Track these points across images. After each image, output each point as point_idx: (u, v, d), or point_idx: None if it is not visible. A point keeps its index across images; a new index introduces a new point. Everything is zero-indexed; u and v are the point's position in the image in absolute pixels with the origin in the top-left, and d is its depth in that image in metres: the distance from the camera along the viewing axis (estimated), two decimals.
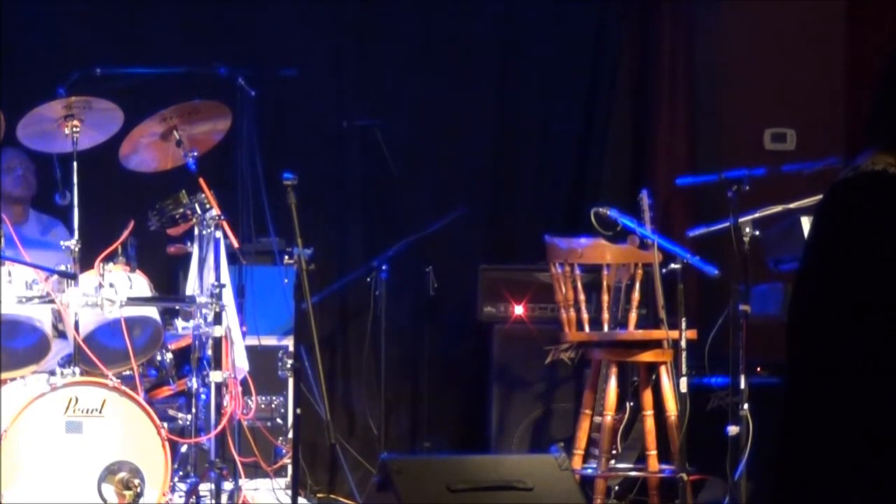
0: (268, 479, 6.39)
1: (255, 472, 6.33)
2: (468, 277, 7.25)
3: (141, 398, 5.71)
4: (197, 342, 5.93)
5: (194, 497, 5.84)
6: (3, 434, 5.46)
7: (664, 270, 6.21)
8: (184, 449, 5.93)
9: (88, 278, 5.79)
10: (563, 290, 6.45)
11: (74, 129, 5.86)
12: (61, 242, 5.84)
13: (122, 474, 5.56)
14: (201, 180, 5.90)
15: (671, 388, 6.18)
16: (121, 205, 6.68)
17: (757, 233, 5.87)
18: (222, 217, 5.89)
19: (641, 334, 6.35)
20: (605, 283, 6.47)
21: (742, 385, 5.77)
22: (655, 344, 6.25)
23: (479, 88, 7.75)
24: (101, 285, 5.77)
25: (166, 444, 5.63)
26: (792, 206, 5.96)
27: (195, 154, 6.00)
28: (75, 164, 5.83)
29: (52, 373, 5.67)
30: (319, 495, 6.88)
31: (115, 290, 5.82)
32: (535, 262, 7.06)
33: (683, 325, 6.05)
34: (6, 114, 5.90)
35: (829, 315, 2.93)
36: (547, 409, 7.05)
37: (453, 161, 7.69)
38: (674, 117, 7.82)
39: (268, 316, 6.62)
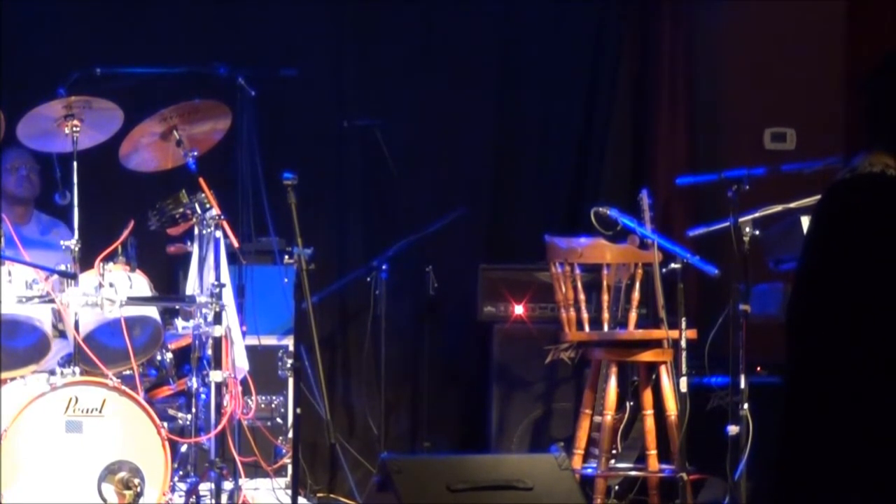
0: (268, 479, 6.38)
1: (255, 471, 6.32)
2: (468, 277, 7.25)
3: (141, 398, 5.71)
4: (197, 342, 5.93)
5: (194, 497, 5.84)
6: (3, 434, 5.46)
7: (664, 270, 6.21)
8: (184, 448, 5.93)
9: (88, 278, 5.79)
10: (563, 289, 6.45)
11: (74, 129, 5.86)
12: (62, 242, 5.84)
13: (122, 474, 5.56)
14: (201, 180, 5.90)
15: (671, 388, 6.18)
16: (121, 205, 6.68)
17: (757, 232, 5.87)
18: (222, 217, 5.89)
19: (641, 334, 6.35)
20: (605, 283, 6.47)
21: (742, 385, 5.77)
22: (655, 343, 6.25)
23: (479, 88, 7.75)
24: (101, 285, 5.77)
25: (166, 443, 5.63)
26: (792, 205, 5.95)
27: (195, 154, 6.00)
28: (75, 163, 5.83)
29: (52, 372, 5.67)
30: (319, 495, 6.88)
31: (115, 290, 5.82)
32: (535, 262, 7.06)
33: (683, 324, 6.05)
34: (6, 114, 5.90)
35: (828, 315, 2.94)
36: (547, 408, 7.05)
37: (453, 161, 7.69)
38: (674, 117, 7.82)
39: (268, 316, 6.62)
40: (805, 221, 6.04)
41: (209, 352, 5.81)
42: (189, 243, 6.03)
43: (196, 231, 5.94)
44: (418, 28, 7.70)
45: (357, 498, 6.89)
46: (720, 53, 7.89)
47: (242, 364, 5.99)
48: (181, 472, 5.93)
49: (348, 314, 7.55)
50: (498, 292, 7.16)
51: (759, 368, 6.55)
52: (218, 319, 5.79)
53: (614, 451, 6.55)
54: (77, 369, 5.64)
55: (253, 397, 6.22)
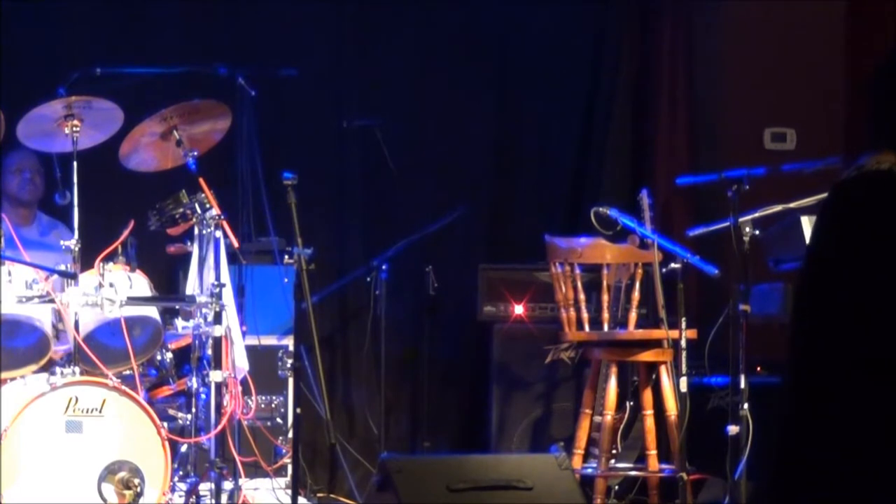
0: (268, 479, 6.39)
1: (255, 471, 6.32)
2: (468, 277, 7.25)
3: (141, 398, 5.71)
4: (197, 342, 5.93)
5: (194, 497, 5.84)
6: (3, 434, 5.46)
7: (664, 270, 6.21)
8: (184, 448, 5.93)
9: (88, 278, 5.79)
10: (563, 289, 6.45)
11: (74, 129, 5.85)
12: (62, 242, 5.84)
13: (122, 474, 5.56)
14: (201, 180, 5.90)
15: (671, 388, 6.18)
16: (121, 205, 6.68)
17: (757, 232, 5.87)
18: (222, 217, 5.89)
19: (641, 334, 6.35)
20: (605, 283, 6.47)
21: (742, 385, 5.76)
22: (655, 343, 6.25)
23: (479, 88, 7.75)
24: (101, 285, 5.77)
25: (166, 443, 5.63)
26: (792, 205, 5.95)
27: (195, 154, 6.00)
28: (75, 163, 5.83)
29: (52, 372, 5.67)
30: (319, 495, 6.88)
31: (115, 290, 5.82)
32: (535, 262, 7.06)
33: (683, 324, 6.05)
34: (6, 114, 5.90)
35: (835, 315, 2.93)
36: (547, 408, 7.05)
37: (453, 161, 7.69)
38: (674, 117, 7.82)
39: (268, 316, 6.62)
40: (805, 221, 6.04)
41: (209, 352, 5.81)
42: (189, 243, 6.03)
43: (196, 231, 5.94)
44: (418, 28, 7.70)
45: (357, 498, 6.89)
46: (720, 53, 7.88)
47: (242, 364, 5.99)
48: (181, 472, 5.93)
49: (348, 314, 7.55)
50: (498, 292, 7.16)
51: (759, 368, 6.55)
52: (218, 319, 5.79)
53: (614, 451, 6.54)
54: (77, 369, 5.65)
55: (253, 397, 6.22)
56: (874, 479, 2.86)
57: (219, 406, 5.80)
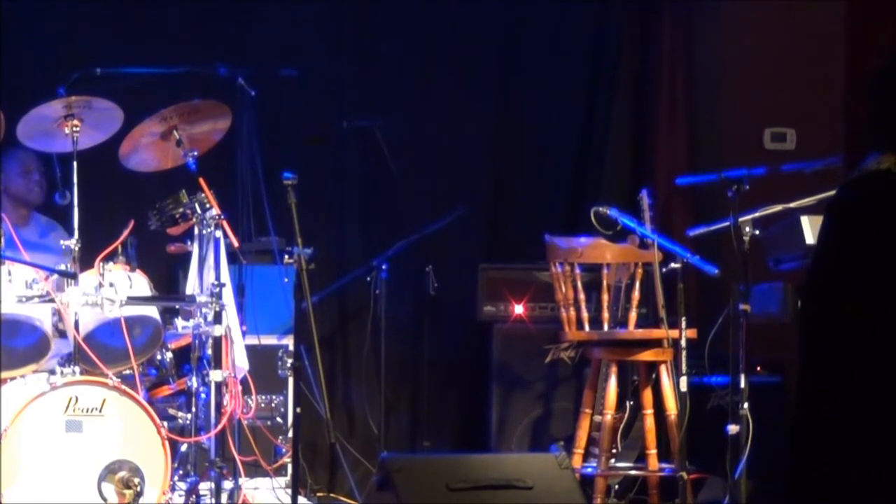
0: (268, 479, 6.39)
1: (255, 471, 6.33)
2: (468, 277, 7.25)
3: (141, 397, 5.71)
4: (197, 341, 5.93)
5: (194, 496, 5.84)
6: (3, 433, 5.46)
7: (664, 270, 6.21)
8: (184, 448, 5.93)
9: (88, 278, 5.79)
10: (563, 289, 6.45)
11: (74, 129, 5.86)
12: (61, 242, 5.84)
13: (123, 473, 5.56)
14: (201, 180, 5.90)
15: (671, 387, 6.18)
16: (121, 204, 6.69)
17: (757, 232, 5.87)
18: (222, 216, 5.89)
19: (641, 333, 6.35)
20: (605, 283, 6.47)
21: (742, 384, 5.76)
22: (655, 343, 6.25)
23: (479, 88, 7.75)
24: (101, 285, 5.77)
25: (166, 443, 5.63)
26: (792, 205, 5.95)
27: (195, 154, 6.00)
28: (75, 163, 5.83)
29: (52, 372, 5.67)
30: (319, 494, 6.87)
31: (115, 290, 5.82)
32: (535, 262, 7.06)
33: (683, 324, 6.05)
34: (6, 114, 5.90)
35: (844, 312, 2.93)
36: (547, 408, 7.05)
37: (453, 161, 7.69)
38: (674, 117, 7.82)
39: (268, 315, 6.63)
40: (805, 221, 6.03)
41: (209, 351, 5.81)
42: (189, 243, 6.03)
43: (196, 231, 5.94)
44: (418, 28, 7.70)
45: (357, 497, 6.89)
46: (720, 53, 7.88)
47: (242, 363, 6.00)
48: (181, 472, 5.93)
49: (348, 314, 7.55)
50: (498, 292, 7.16)
51: (759, 368, 6.55)
52: (218, 319, 5.80)
53: (614, 451, 6.54)
54: (77, 369, 5.65)
55: (253, 397, 6.23)
56: (880, 479, 2.87)
57: (219, 405, 5.80)
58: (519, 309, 7.12)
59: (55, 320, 5.84)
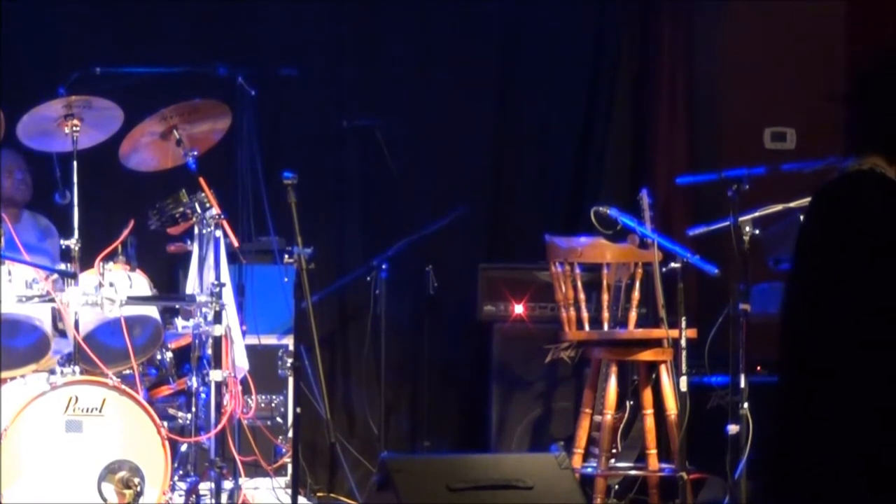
0: (268, 479, 6.39)
1: (255, 471, 6.33)
2: (468, 277, 7.25)
3: (141, 397, 5.71)
4: (197, 341, 5.93)
5: (194, 496, 5.84)
6: (3, 433, 5.46)
7: (664, 269, 6.21)
8: (184, 448, 5.93)
9: (88, 277, 5.79)
10: (563, 289, 6.45)
11: (74, 129, 5.86)
12: (62, 242, 5.83)
13: (123, 473, 5.56)
14: (201, 179, 5.90)
15: (671, 387, 6.18)
16: (121, 204, 6.69)
17: (757, 232, 5.86)
18: (222, 216, 5.89)
19: (641, 333, 6.35)
20: (604, 282, 6.47)
21: (742, 384, 5.76)
22: (655, 343, 6.25)
23: (479, 88, 7.75)
24: (101, 284, 5.77)
25: (166, 443, 5.63)
26: (792, 205, 5.95)
27: (195, 153, 6.00)
28: (75, 163, 5.83)
29: (52, 372, 5.67)
30: (319, 494, 6.87)
31: (115, 289, 5.82)
32: (535, 262, 7.06)
33: (683, 324, 6.05)
34: (6, 114, 5.90)
35: (827, 316, 2.92)
36: (547, 408, 7.05)
37: (453, 161, 7.69)
38: (674, 117, 7.82)
39: (268, 315, 6.62)
40: None
41: (209, 351, 5.81)
42: (189, 242, 6.03)
43: (196, 230, 5.94)
44: (418, 28, 7.70)
45: (357, 498, 6.89)
46: (720, 53, 7.88)
47: (242, 363, 6.00)
48: (181, 472, 5.93)
49: (348, 314, 7.55)
50: (498, 292, 7.16)
51: (759, 368, 6.54)
52: (218, 319, 5.79)
53: (614, 451, 6.54)
54: (77, 369, 5.65)
55: (253, 397, 6.23)
56: (866, 478, 2.86)
57: (219, 405, 5.80)
58: (519, 309, 7.12)
59: (55, 320, 5.84)
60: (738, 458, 5.73)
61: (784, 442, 3.00)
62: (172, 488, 5.78)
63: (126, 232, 5.92)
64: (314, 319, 5.71)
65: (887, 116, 3.05)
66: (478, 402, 7.35)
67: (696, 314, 6.83)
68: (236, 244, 6.00)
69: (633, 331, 6.42)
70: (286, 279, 6.34)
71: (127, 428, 5.61)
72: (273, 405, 6.75)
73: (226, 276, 5.90)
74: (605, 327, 6.49)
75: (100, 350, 5.80)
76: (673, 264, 6.21)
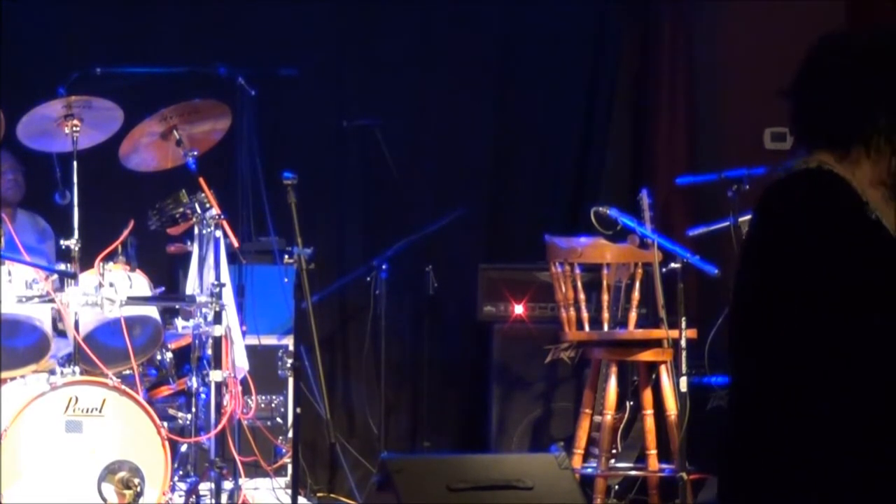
0: (268, 479, 6.39)
1: (255, 471, 6.33)
2: (468, 277, 7.25)
3: (141, 397, 5.71)
4: (197, 341, 5.93)
5: (194, 496, 5.84)
6: (3, 433, 5.46)
7: (664, 270, 6.21)
8: (184, 448, 5.93)
9: (88, 278, 5.79)
10: (563, 289, 6.45)
11: (74, 129, 5.86)
12: (62, 243, 5.83)
13: (123, 473, 5.56)
14: (201, 180, 5.91)
15: (671, 388, 6.18)
16: (121, 204, 6.68)
17: None
18: (222, 216, 5.89)
19: (641, 333, 6.35)
20: (604, 283, 6.47)
21: None
22: (655, 343, 6.25)
23: (479, 88, 7.75)
24: (101, 284, 5.77)
25: (166, 443, 5.63)
26: None
27: (195, 153, 6.00)
28: (75, 163, 5.84)
29: (52, 372, 5.67)
30: (319, 495, 6.88)
31: (115, 290, 5.82)
32: (535, 262, 7.06)
33: (683, 324, 6.05)
34: (6, 114, 5.90)
35: (769, 314, 2.90)
36: (547, 408, 7.05)
37: (453, 161, 7.70)
38: (674, 117, 7.82)
39: (268, 315, 6.62)
40: None
41: (209, 351, 5.81)
42: (189, 243, 6.04)
43: (196, 231, 5.94)
44: (418, 28, 7.70)
45: (357, 498, 6.89)
46: (720, 53, 7.88)
47: (242, 364, 6.00)
48: (181, 472, 5.93)
49: (348, 314, 7.55)
50: (498, 292, 7.16)
51: None
52: (218, 319, 5.79)
53: (614, 451, 6.55)
54: (77, 369, 5.65)
55: (253, 397, 6.23)
56: (816, 481, 2.85)
57: (219, 406, 5.80)
58: (519, 309, 7.12)
59: (55, 320, 5.84)
60: None
61: (733, 440, 2.99)
62: (172, 489, 5.78)
63: (126, 232, 5.92)
64: (314, 320, 5.71)
65: (831, 111, 3.03)
66: (478, 402, 7.35)
67: (696, 314, 6.84)
68: (236, 244, 6.00)
69: (633, 331, 6.42)
70: (286, 279, 6.35)
71: (127, 428, 5.61)
72: (273, 405, 6.75)
73: (226, 276, 5.91)
74: (605, 328, 6.49)
75: (100, 350, 5.80)
76: (673, 264, 6.21)
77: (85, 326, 5.80)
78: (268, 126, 7.28)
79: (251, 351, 6.19)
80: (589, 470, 6.35)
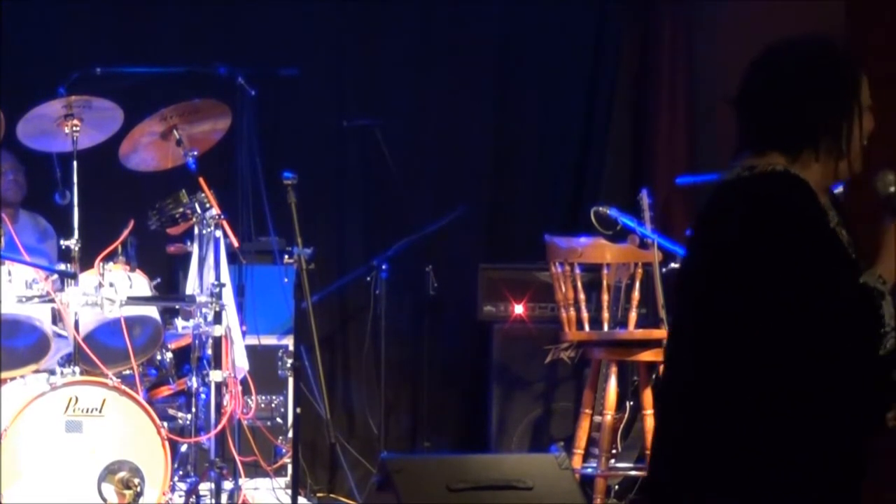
0: (268, 479, 6.39)
1: (255, 471, 6.33)
2: (468, 277, 7.25)
3: (141, 397, 5.71)
4: (197, 341, 5.93)
5: (194, 496, 5.84)
6: (3, 434, 5.46)
7: (664, 270, 6.22)
8: (184, 448, 5.93)
9: (88, 278, 5.79)
10: (563, 289, 6.45)
11: (74, 129, 5.86)
12: (62, 243, 5.84)
13: (123, 474, 5.56)
14: (201, 180, 5.91)
15: None
16: (121, 204, 6.68)
17: None
18: (222, 216, 5.89)
19: (641, 333, 6.35)
20: (605, 283, 6.47)
21: None
22: (655, 343, 6.24)
23: (479, 88, 7.75)
24: (100, 284, 5.77)
25: (166, 443, 5.63)
26: None
27: (195, 153, 6.00)
28: (75, 163, 5.84)
29: (52, 372, 5.67)
30: (319, 495, 6.88)
31: (115, 290, 5.82)
32: (535, 262, 7.06)
33: None
34: (6, 114, 5.90)
35: (736, 313, 2.90)
36: (547, 408, 7.05)
37: (453, 161, 7.70)
38: (674, 117, 7.82)
39: (268, 315, 6.63)
40: None
41: (209, 351, 5.81)
42: (189, 243, 6.04)
43: (196, 231, 5.95)
44: (418, 28, 7.70)
45: (357, 498, 6.89)
46: (720, 53, 7.88)
47: (242, 364, 6.00)
48: (181, 472, 5.93)
49: (348, 314, 7.55)
50: (498, 292, 7.16)
51: None
52: (218, 319, 5.80)
53: (614, 451, 6.55)
54: (77, 369, 5.65)
55: (253, 397, 6.23)
56: (760, 476, 2.85)
57: (219, 406, 5.81)
58: (519, 309, 7.12)
59: (55, 320, 5.84)
60: None
61: (667, 437, 3.00)
62: (172, 489, 5.78)
63: (126, 232, 5.92)
64: (314, 320, 5.71)
65: (783, 113, 3.02)
66: (478, 402, 7.35)
67: None
68: (236, 244, 6.00)
69: (633, 331, 6.42)
70: (286, 279, 6.35)
71: (127, 428, 5.62)
72: (273, 405, 6.75)
73: (226, 276, 5.91)
74: (606, 328, 6.49)
75: (100, 350, 5.80)
76: (673, 264, 6.22)
77: (85, 326, 5.80)
78: (268, 126, 7.28)
79: (251, 351, 6.19)
80: (589, 470, 6.35)
